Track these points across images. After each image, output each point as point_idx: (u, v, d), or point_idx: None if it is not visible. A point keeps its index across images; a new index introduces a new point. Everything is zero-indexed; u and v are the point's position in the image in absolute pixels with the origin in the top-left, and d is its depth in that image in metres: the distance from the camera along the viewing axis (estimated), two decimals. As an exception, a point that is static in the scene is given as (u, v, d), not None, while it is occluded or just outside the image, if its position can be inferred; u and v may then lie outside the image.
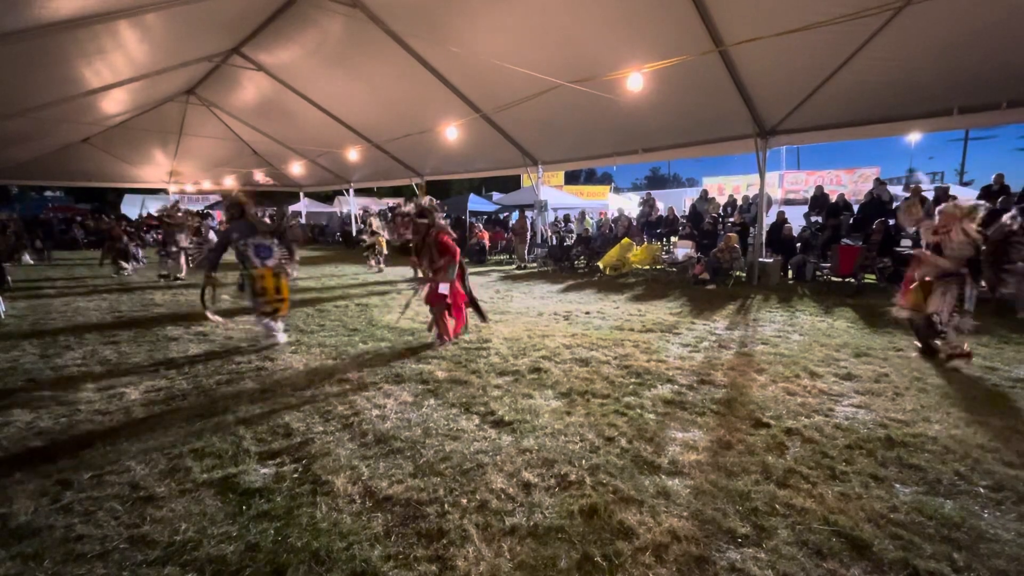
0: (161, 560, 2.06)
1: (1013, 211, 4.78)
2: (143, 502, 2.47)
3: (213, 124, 16.86)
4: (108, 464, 2.83)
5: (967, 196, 11.64)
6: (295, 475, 2.71)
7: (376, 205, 24.86)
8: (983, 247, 4.49)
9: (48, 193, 31.21)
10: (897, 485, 2.57)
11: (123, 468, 2.79)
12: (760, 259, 9.92)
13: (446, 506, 2.40)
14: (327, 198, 31.25)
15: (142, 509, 2.41)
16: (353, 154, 14.10)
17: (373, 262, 12.58)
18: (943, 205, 4.68)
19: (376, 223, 12.98)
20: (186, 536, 2.20)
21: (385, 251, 12.67)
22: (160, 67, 10.53)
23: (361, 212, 22.92)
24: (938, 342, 4.70)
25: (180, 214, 11.53)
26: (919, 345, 4.90)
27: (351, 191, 22.37)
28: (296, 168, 18.10)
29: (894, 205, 10.68)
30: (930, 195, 10.41)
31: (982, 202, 4.97)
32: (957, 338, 4.47)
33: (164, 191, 24.17)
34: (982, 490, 2.52)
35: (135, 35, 8.26)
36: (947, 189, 10.39)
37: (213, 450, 2.97)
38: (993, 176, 9.56)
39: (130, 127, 15.60)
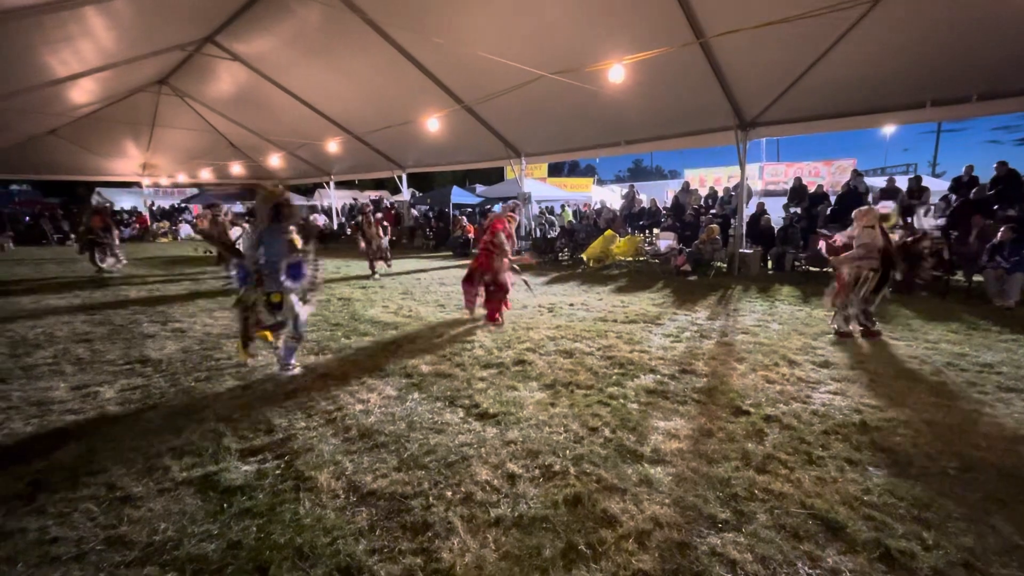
0: (140, 560, 2.03)
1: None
2: (120, 502, 2.42)
3: (187, 115, 16.41)
4: (83, 465, 2.76)
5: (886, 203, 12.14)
6: (277, 472, 2.68)
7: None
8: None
9: (14, 187, 30.12)
10: (871, 468, 2.65)
11: (99, 468, 2.72)
12: (740, 250, 10.07)
13: (431, 499, 2.41)
14: (307, 191, 30.77)
15: (119, 509, 2.36)
16: (333, 146, 13.87)
17: None
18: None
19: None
20: (165, 536, 2.17)
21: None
22: (130, 56, 10.20)
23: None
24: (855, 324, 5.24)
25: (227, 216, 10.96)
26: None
27: (332, 184, 22.03)
28: (275, 160, 17.74)
29: (870, 196, 10.94)
30: (903, 185, 10.69)
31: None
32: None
33: (137, 184, 23.54)
34: (951, 471, 2.62)
35: (103, 22, 7.98)
36: (919, 179, 10.66)
37: (193, 448, 2.92)
38: (964, 167, 9.83)
39: (99, 118, 15.09)
